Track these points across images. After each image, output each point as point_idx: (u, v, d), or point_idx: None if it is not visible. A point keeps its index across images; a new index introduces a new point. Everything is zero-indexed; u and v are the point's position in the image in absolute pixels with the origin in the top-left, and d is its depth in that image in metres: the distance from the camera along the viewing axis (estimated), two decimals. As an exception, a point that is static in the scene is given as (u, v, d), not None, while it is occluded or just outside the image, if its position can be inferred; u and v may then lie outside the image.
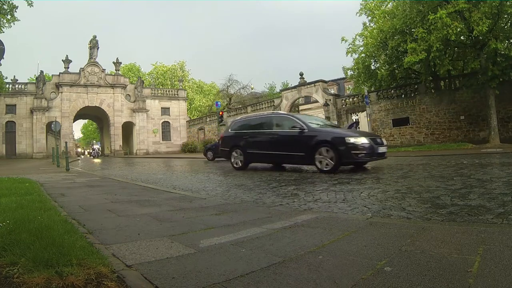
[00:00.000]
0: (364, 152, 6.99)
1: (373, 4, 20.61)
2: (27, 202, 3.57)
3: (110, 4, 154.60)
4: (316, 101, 27.37)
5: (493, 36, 13.75)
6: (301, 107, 31.93)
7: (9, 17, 16.79)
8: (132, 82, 38.05)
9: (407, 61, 15.29)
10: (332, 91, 29.33)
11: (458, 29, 13.97)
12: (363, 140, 7.09)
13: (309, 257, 1.90)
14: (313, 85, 24.55)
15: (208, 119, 34.93)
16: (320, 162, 7.24)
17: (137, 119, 35.06)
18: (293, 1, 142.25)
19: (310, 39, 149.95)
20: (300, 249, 2.06)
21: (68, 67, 32.62)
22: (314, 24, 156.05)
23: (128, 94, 35.45)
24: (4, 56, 4.61)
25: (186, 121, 38.21)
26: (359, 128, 20.35)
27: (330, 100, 23.50)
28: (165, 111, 37.33)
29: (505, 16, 14.43)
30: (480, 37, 14.13)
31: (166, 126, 37.35)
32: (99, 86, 33.67)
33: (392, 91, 20.18)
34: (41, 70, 31.95)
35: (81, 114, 35.97)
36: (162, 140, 36.90)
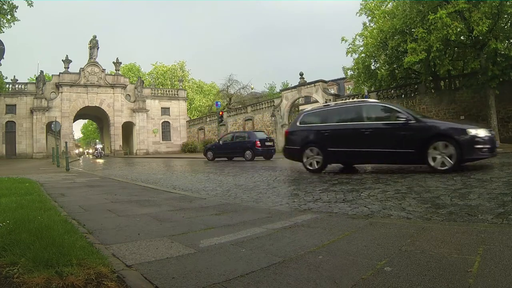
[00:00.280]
0: (487, 146, 5.94)
1: (373, 4, 20.61)
2: (27, 202, 3.57)
3: (110, 4, 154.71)
4: (316, 101, 27.33)
5: (493, 36, 13.75)
6: (301, 107, 31.89)
7: (9, 17, 16.79)
8: (132, 82, 38.05)
9: (407, 61, 15.29)
10: (332, 91, 29.34)
11: (458, 29, 13.97)
12: (484, 133, 6.02)
13: (309, 257, 1.90)
14: (313, 85, 24.54)
15: (208, 119, 34.92)
16: (434, 159, 5.97)
17: (137, 119, 35.06)
18: (293, 1, 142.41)
19: (310, 39, 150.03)
20: (300, 249, 2.06)
21: (68, 67, 32.62)
22: (314, 24, 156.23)
23: (128, 94, 35.45)
24: (4, 56, 4.62)
25: (186, 121, 38.21)
26: None
27: (330, 100, 23.48)
28: (165, 111, 37.33)
29: (505, 16, 14.43)
30: (480, 37, 14.12)
31: (166, 126, 37.35)
32: (99, 86, 33.66)
33: (392, 91, 20.18)
34: (41, 70, 32.00)
35: (81, 114, 35.97)
36: (162, 140, 36.90)
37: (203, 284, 1.55)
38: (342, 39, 20.79)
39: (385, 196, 3.99)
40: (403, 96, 19.66)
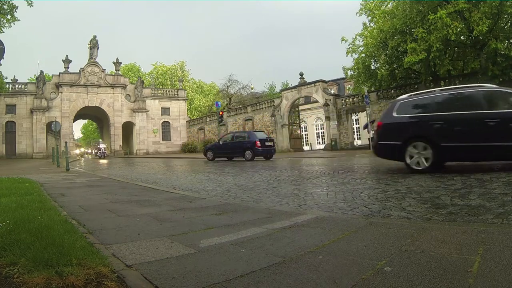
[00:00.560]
0: None
1: (373, 4, 20.63)
2: (27, 202, 3.57)
3: (110, 4, 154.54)
4: (316, 101, 27.37)
5: (493, 36, 13.76)
6: (301, 107, 31.91)
7: (9, 17, 16.81)
8: (132, 82, 38.05)
9: (407, 61, 15.30)
10: (332, 91, 29.35)
11: (458, 29, 13.98)
12: None
13: (309, 257, 1.90)
14: (313, 85, 24.55)
15: (208, 119, 34.93)
16: None
17: (137, 119, 35.06)
18: (293, 1, 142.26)
19: (310, 39, 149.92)
20: (300, 249, 2.06)
21: (68, 67, 32.62)
22: (314, 24, 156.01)
23: (128, 94, 35.45)
24: (4, 56, 4.62)
25: (186, 121, 38.21)
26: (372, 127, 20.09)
27: (330, 100, 23.51)
28: (165, 111, 37.33)
29: (505, 16, 14.45)
30: (480, 37, 14.14)
31: (166, 126, 37.35)
32: (99, 86, 33.66)
33: (392, 91, 20.19)
34: (41, 70, 31.99)
35: (81, 114, 35.96)
36: (162, 140, 36.89)
37: (203, 284, 1.55)
38: (342, 39, 20.83)
39: (385, 196, 3.99)
40: (403, 96, 19.66)
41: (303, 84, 25.30)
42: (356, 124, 32.89)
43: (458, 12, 13.94)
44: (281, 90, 28.42)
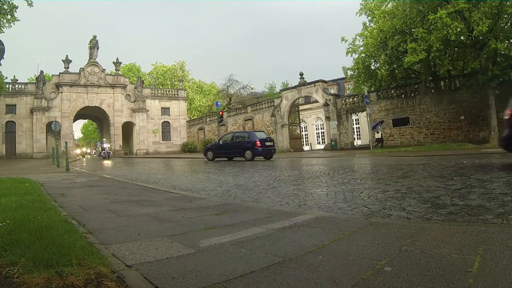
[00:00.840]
0: None
1: (373, 4, 20.62)
2: (27, 202, 3.57)
3: (110, 4, 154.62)
4: (316, 101, 27.37)
5: (493, 36, 13.76)
6: (301, 107, 31.92)
7: (9, 17, 16.80)
8: (132, 82, 38.06)
9: (407, 61, 15.30)
10: (332, 91, 29.34)
11: (458, 29, 13.98)
12: None
13: (309, 257, 1.90)
14: (313, 85, 24.55)
15: (208, 119, 34.93)
16: None
17: (137, 119, 35.06)
18: (293, 1, 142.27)
19: (310, 39, 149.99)
20: (300, 249, 2.06)
21: (68, 67, 32.62)
22: (314, 24, 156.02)
23: (128, 94, 35.45)
24: (4, 56, 4.62)
25: (186, 121, 38.21)
26: (381, 128, 20.04)
27: (330, 100, 23.51)
28: (165, 111, 37.33)
29: (505, 16, 14.44)
30: (480, 37, 14.13)
31: (166, 126, 37.36)
32: (99, 86, 33.67)
33: (392, 91, 20.19)
34: (41, 70, 32.00)
35: (81, 114, 35.97)
36: (162, 140, 36.90)
37: (203, 284, 1.55)
38: (342, 39, 20.82)
39: (385, 196, 3.99)
40: (403, 96, 19.68)
41: (303, 84, 25.30)
42: (356, 124, 32.91)
43: (458, 12, 13.94)
44: (281, 90, 28.41)
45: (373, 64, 20.69)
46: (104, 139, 30.35)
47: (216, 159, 16.52)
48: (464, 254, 1.81)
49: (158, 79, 48.21)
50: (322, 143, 36.15)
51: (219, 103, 31.72)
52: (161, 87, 42.40)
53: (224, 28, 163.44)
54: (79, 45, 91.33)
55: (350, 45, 20.74)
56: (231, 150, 16.07)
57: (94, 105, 33.54)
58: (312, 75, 32.28)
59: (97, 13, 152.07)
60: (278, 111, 26.55)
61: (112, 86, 34.29)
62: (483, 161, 8.10)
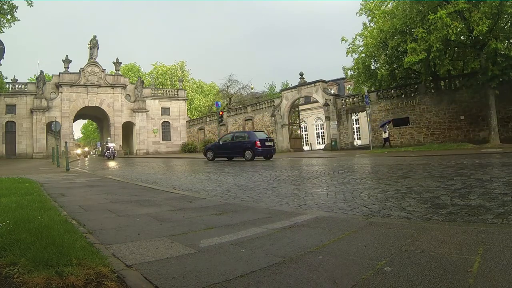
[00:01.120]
0: None
1: (373, 4, 20.61)
2: (27, 202, 3.57)
3: (110, 4, 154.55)
4: (316, 101, 27.38)
5: (493, 36, 13.75)
6: (301, 107, 31.91)
7: (9, 17, 16.79)
8: (132, 82, 38.04)
9: (407, 61, 15.29)
10: (332, 91, 29.34)
11: (458, 29, 13.97)
12: None
13: (309, 257, 1.90)
14: (313, 85, 24.55)
15: (208, 119, 34.92)
16: None
17: (137, 119, 35.06)
18: (293, 1, 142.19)
19: (310, 39, 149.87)
20: (300, 249, 2.06)
21: (68, 67, 32.61)
22: (314, 24, 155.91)
23: (128, 94, 35.45)
24: (4, 56, 4.62)
25: (186, 121, 38.20)
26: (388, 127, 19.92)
27: (330, 100, 23.51)
28: (165, 111, 37.32)
29: (505, 16, 14.43)
30: (480, 37, 14.12)
31: (166, 126, 37.35)
32: (99, 86, 33.66)
33: (392, 91, 20.19)
34: (41, 70, 31.99)
35: (81, 114, 35.96)
36: (162, 140, 36.89)
37: (203, 284, 1.55)
38: (342, 39, 20.81)
39: (385, 196, 3.99)
40: (403, 96, 19.68)
41: (303, 84, 25.29)
42: (356, 124, 32.91)
43: (458, 12, 13.93)
44: (281, 90, 28.41)
45: (373, 64, 20.68)
46: (109, 138, 29.70)
47: (216, 159, 16.51)
48: (464, 254, 1.81)
49: (158, 79, 48.20)
50: (322, 143, 36.15)
51: (219, 103, 31.73)
52: (161, 87, 42.38)
53: (224, 28, 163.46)
54: (79, 45, 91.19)
55: (350, 45, 20.74)
56: (231, 150, 16.07)
57: (94, 105, 33.53)
58: (312, 75, 32.33)
59: (97, 13, 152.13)
60: (278, 111, 26.55)
61: (112, 86, 34.28)
62: (483, 161, 8.10)
